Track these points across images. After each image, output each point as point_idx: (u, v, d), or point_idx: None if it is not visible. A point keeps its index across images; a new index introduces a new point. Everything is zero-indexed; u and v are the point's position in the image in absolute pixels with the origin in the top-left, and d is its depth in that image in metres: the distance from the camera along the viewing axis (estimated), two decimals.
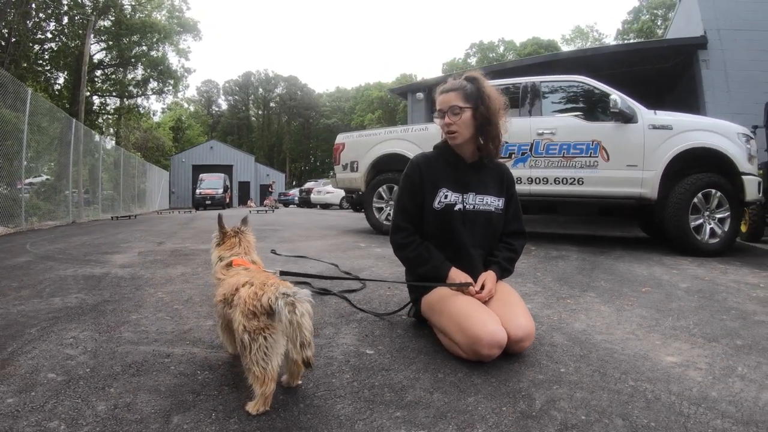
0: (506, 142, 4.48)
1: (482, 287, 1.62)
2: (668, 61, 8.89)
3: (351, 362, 1.47)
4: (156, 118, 29.02)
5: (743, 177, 4.07)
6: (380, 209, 5.54)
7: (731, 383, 1.39)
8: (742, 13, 8.16)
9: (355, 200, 6.16)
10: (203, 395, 1.23)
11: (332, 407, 1.19)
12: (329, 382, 1.33)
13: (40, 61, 15.71)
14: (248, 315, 1.13)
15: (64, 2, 15.28)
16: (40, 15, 14.95)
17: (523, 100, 4.80)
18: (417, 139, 5.27)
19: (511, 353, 1.49)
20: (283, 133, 54.45)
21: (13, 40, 13.16)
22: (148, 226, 7.51)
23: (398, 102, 42.69)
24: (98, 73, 18.61)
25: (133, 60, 18.75)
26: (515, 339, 1.44)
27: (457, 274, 1.65)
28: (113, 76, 19.34)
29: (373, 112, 50.73)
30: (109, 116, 21.00)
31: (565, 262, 3.55)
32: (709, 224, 4.18)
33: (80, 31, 15.35)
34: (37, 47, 15.28)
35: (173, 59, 20.49)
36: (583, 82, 4.65)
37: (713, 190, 4.13)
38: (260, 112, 56.62)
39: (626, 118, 4.25)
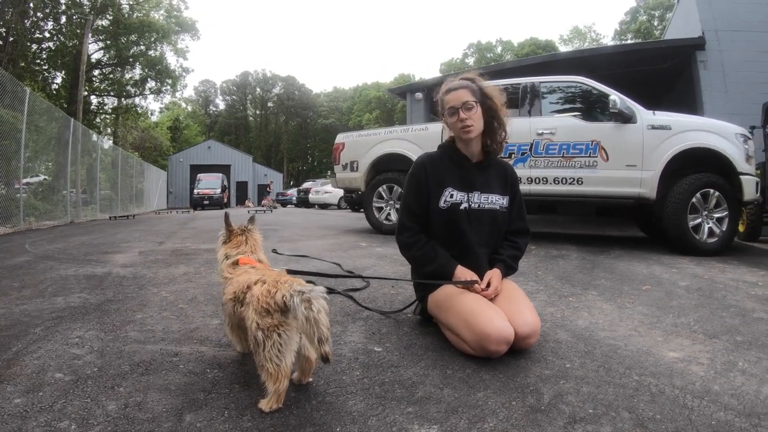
0: (506, 142, 4.51)
1: (488, 285, 1.64)
2: (666, 62, 8.94)
3: (360, 359, 1.49)
4: (154, 118, 28.90)
5: (741, 177, 4.11)
6: (380, 209, 5.56)
7: (732, 377, 1.42)
8: (740, 14, 8.22)
9: (355, 200, 6.17)
10: (214, 393, 1.23)
11: (344, 403, 1.20)
12: (340, 379, 1.34)
13: (38, 61, 15.65)
14: (262, 312, 1.14)
15: (62, 1, 15.23)
16: (38, 14, 14.90)
17: (522, 101, 4.83)
18: (417, 138, 5.29)
19: (518, 349, 1.52)
20: (281, 133, 54.36)
21: (11, 39, 13.11)
22: (147, 226, 7.50)
23: (396, 102, 42.71)
24: (96, 72, 18.53)
25: (131, 59, 18.69)
26: (522, 335, 1.47)
27: (463, 272, 1.67)
28: (111, 76, 19.26)
29: (370, 112, 50.72)
30: (107, 116, 20.91)
31: (566, 261, 3.57)
32: (708, 224, 4.22)
33: (78, 31, 15.30)
34: (34, 47, 15.21)
35: (171, 59, 20.46)
36: (582, 83, 4.68)
37: (711, 190, 4.16)
38: (258, 112, 56.50)
39: (625, 118, 4.28)
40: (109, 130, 21.76)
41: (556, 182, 4.52)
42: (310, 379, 1.30)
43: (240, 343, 1.48)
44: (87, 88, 16.48)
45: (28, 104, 7.34)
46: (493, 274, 1.68)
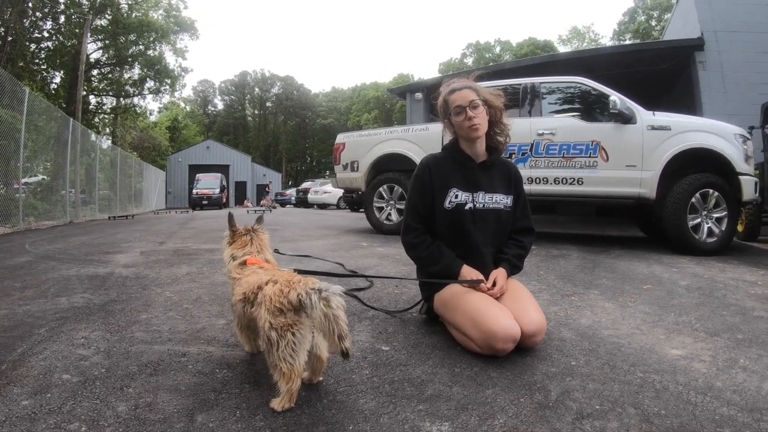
0: (506, 140, 4.52)
1: (494, 284, 1.65)
2: (665, 63, 8.98)
3: (368, 358, 1.50)
4: (153, 118, 28.85)
5: (740, 177, 4.14)
6: (381, 209, 5.57)
7: (734, 374, 1.44)
8: (739, 15, 8.26)
9: (356, 200, 6.19)
10: (225, 393, 1.23)
11: (355, 402, 1.21)
12: (349, 378, 1.35)
13: (37, 60, 15.61)
14: (275, 312, 1.14)
15: (61, 1, 15.21)
16: (37, 14, 14.87)
17: (523, 101, 4.85)
18: (417, 139, 5.31)
19: (524, 348, 1.54)
20: (280, 133, 54.30)
21: (10, 38, 13.08)
22: (146, 226, 7.50)
23: (395, 102, 42.68)
24: (95, 72, 18.50)
25: (129, 59, 18.66)
26: (528, 334, 1.49)
27: (468, 272, 1.69)
28: (110, 76, 19.23)
29: (369, 112, 50.69)
30: (106, 116, 20.87)
31: (567, 261, 3.60)
32: (707, 223, 4.24)
33: (77, 30, 15.29)
34: (33, 46, 15.18)
35: (170, 59, 20.42)
36: (582, 83, 4.71)
37: (711, 190, 4.19)
38: (256, 112, 56.43)
39: (625, 118, 4.30)
40: (107, 130, 21.70)
41: (557, 182, 4.55)
42: (321, 378, 1.31)
43: (248, 343, 1.48)
44: (86, 87, 16.44)
45: (27, 104, 7.33)
46: (499, 274, 1.70)
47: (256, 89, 55.75)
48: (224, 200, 25.56)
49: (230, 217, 1.63)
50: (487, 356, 1.49)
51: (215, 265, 3.26)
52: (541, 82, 4.87)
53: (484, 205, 1.77)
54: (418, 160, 5.11)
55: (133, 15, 18.12)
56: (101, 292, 2.40)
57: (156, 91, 20.55)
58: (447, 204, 1.76)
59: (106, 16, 17.15)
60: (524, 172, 4.64)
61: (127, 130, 23.61)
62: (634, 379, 1.38)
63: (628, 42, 34.42)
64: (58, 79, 16.80)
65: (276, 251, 3.78)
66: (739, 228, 5.64)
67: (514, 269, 1.78)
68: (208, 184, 24.99)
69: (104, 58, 18.65)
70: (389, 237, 5.06)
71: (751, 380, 1.39)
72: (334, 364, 1.40)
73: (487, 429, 1.08)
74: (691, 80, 8.62)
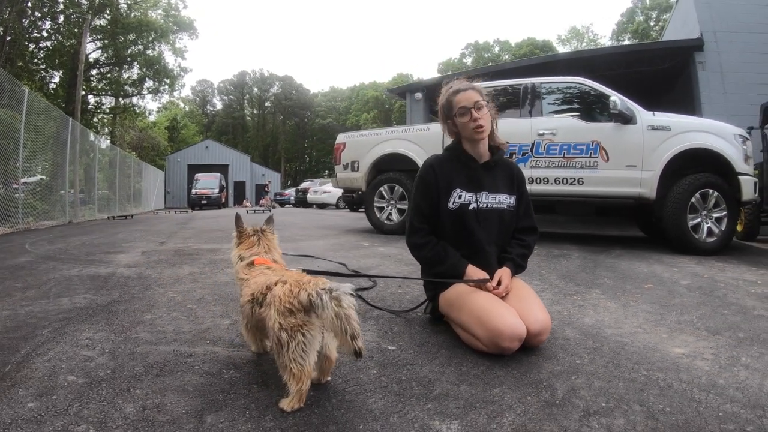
0: (507, 143, 4.55)
1: (499, 283, 1.67)
2: (665, 63, 9.01)
3: (375, 358, 1.51)
4: (151, 118, 28.79)
5: (740, 177, 4.16)
6: (381, 209, 5.58)
7: (737, 372, 1.46)
8: (738, 15, 8.29)
9: (356, 200, 6.19)
10: (233, 394, 1.23)
11: (364, 401, 1.21)
12: (357, 378, 1.35)
13: (36, 60, 15.57)
14: (285, 312, 1.13)
15: (60, 1, 15.17)
16: (36, 13, 14.84)
17: (523, 101, 4.86)
18: (418, 139, 5.32)
19: (529, 346, 1.56)
20: (279, 133, 54.25)
21: (9, 38, 13.05)
22: (146, 226, 7.49)
23: (393, 102, 42.71)
24: (94, 72, 18.45)
25: (129, 59, 18.62)
26: (533, 332, 1.50)
27: (473, 271, 1.71)
28: (109, 75, 19.19)
29: (368, 112, 50.67)
30: (105, 116, 20.83)
31: (568, 261, 3.61)
32: (707, 223, 4.27)
33: (76, 30, 15.25)
34: (32, 46, 15.14)
35: (169, 58, 20.38)
36: (582, 84, 4.73)
37: (710, 190, 4.21)
38: (255, 112, 56.36)
39: (625, 119, 4.32)
40: (106, 130, 21.66)
41: (557, 182, 4.56)
42: (329, 378, 1.31)
43: (255, 344, 1.48)
44: (85, 87, 16.41)
45: (26, 104, 7.32)
46: (503, 273, 1.71)
47: (255, 89, 55.68)
48: (223, 200, 25.53)
49: (237, 218, 1.62)
50: (492, 355, 1.50)
51: (217, 265, 3.26)
52: (541, 83, 4.88)
53: (487, 205, 1.78)
54: (418, 160, 5.15)
55: (132, 15, 18.08)
56: (104, 293, 2.39)
57: (155, 91, 20.52)
58: (451, 204, 1.77)
59: (105, 15, 17.11)
60: (525, 172, 4.59)
61: (126, 129, 23.57)
62: (639, 376, 1.39)
63: (626, 42, 34.51)
64: (57, 79, 16.78)
65: None
66: (739, 228, 5.66)
67: (518, 268, 1.80)
68: (207, 183, 24.97)
69: (103, 58, 18.61)
70: (390, 237, 5.07)
71: (753, 378, 1.41)
72: (341, 363, 1.40)
73: (496, 427, 1.09)
74: (690, 80, 8.65)
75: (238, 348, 1.58)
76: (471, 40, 58.39)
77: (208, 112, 56.01)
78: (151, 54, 19.22)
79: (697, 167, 4.25)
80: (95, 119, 19.66)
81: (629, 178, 4.30)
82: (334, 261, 3.38)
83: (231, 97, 55.91)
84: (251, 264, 1.46)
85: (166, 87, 20.52)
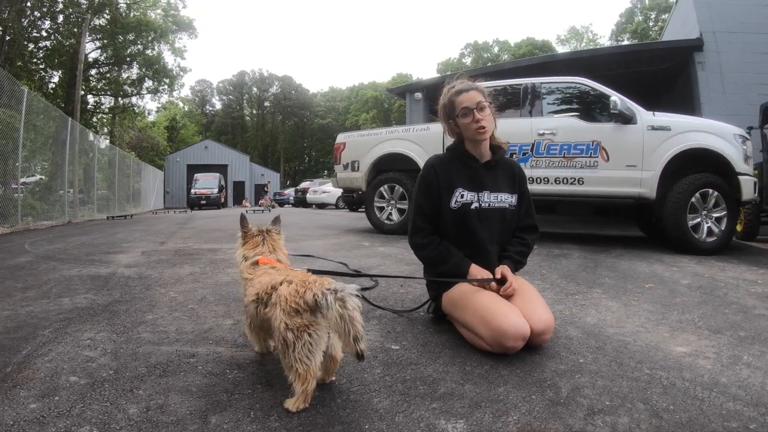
0: (508, 143, 4.54)
1: (504, 280, 1.67)
2: (665, 63, 9.02)
3: (379, 358, 1.51)
4: (151, 118, 28.76)
5: (739, 177, 4.17)
6: (381, 209, 5.58)
7: (738, 370, 1.47)
8: (738, 15, 8.31)
9: (356, 200, 6.19)
10: (237, 394, 1.22)
11: (369, 401, 1.21)
12: (362, 378, 1.35)
13: (35, 60, 15.54)
14: (291, 312, 1.13)
15: (59, 0, 15.14)
16: (35, 13, 14.81)
17: (523, 101, 4.87)
18: (418, 138, 5.32)
19: (532, 345, 1.56)
20: (278, 133, 54.22)
21: (8, 38, 13.03)
22: (145, 226, 7.48)
23: (393, 102, 42.70)
24: (93, 71, 18.43)
25: (128, 59, 18.61)
26: (537, 332, 1.51)
27: (477, 271, 1.71)
28: (108, 75, 19.17)
29: (367, 112, 50.65)
30: (104, 115, 20.81)
31: (568, 260, 3.62)
32: (707, 223, 4.27)
33: (75, 30, 15.24)
34: (31, 46, 15.12)
35: (169, 58, 20.38)
36: (583, 84, 4.73)
37: (710, 190, 4.22)
38: (254, 112, 56.30)
39: (626, 119, 4.33)
40: (106, 130, 21.64)
41: (557, 182, 4.57)
42: (333, 378, 1.30)
43: (259, 344, 1.48)
44: (84, 87, 16.38)
45: (25, 103, 7.30)
46: (505, 270, 1.71)
47: (254, 89, 55.64)
48: (222, 200, 25.51)
49: (242, 218, 1.62)
50: (496, 354, 1.50)
51: (218, 265, 3.26)
52: (541, 83, 4.89)
53: (489, 205, 1.79)
54: (419, 159, 5.15)
55: (132, 14, 18.07)
56: (104, 293, 2.38)
57: (154, 91, 20.51)
58: (453, 204, 1.77)
59: (105, 15, 17.10)
60: (525, 171, 4.66)
61: (126, 129, 23.54)
62: (642, 375, 1.40)
63: (625, 43, 34.57)
64: (56, 79, 16.77)
65: None
66: (738, 228, 5.67)
67: (517, 265, 1.80)
68: (207, 183, 24.94)
69: (102, 58, 18.60)
70: (390, 237, 5.07)
71: (755, 376, 1.42)
72: (345, 363, 1.40)
73: (502, 426, 1.09)
74: (690, 80, 8.66)
75: (241, 348, 1.58)
76: (470, 40, 58.49)
77: (208, 112, 55.95)
78: (151, 54, 19.22)
79: (697, 167, 4.26)
80: (94, 119, 19.64)
81: (629, 178, 4.31)
82: (335, 261, 3.38)
83: (230, 97, 55.86)
84: (255, 263, 1.46)
85: (166, 87, 20.53)
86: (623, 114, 4.29)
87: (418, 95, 10.86)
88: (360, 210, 10.05)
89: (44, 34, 15.63)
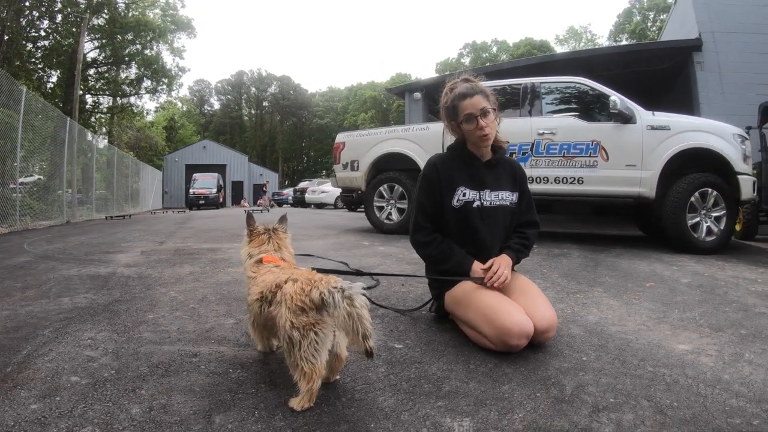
0: (508, 142, 4.54)
1: (490, 268, 1.66)
2: (664, 63, 9.05)
3: (383, 356, 1.51)
4: (149, 118, 28.72)
5: (739, 177, 4.18)
6: (381, 208, 5.57)
7: (741, 367, 1.48)
8: (736, 15, 8.34)
9: (355, 199, 6.19)
10: (241, 393, 1.21)
11: (374, 400, 1.21)
12: (366, 376, 1.35)
13: (33, 60, 15.51)
14: (296, 311, 1.12)
15: (58, 0, 15.11)
16: (34, 12, 14.78)
17: (523, 101, 4.87)
18: (418, 138, 5.32)
19: (536, 344, 1.56)
20: (276, 133, 54.19)
21: (6, 37, 13.00)
22: (144, 226, 7.47)
23: (391, 101, 42.71)
24: (92, 71, 18.41)
25: (126, 58, 18.59)
26: (541, 330, 1.51)
27: (479, 268, 1.71)
28: (107, 75, 19.14)
29: (366, 112, 50.67)
30: (102, 115, 20.77)
31: (568, 260, 3.62)
32: (706, 222, 4.29)
33: (74, 29, 15.22)
34: (30, 45, 15.08)
35: (167, 58, 20.38)
36: (582, 83, 4.74)
37: (710, 190, 4.23)
38: (253, 112, 56.27)
39: (625, 118, 4.34)
40: (104, 130, 21.60)
41: (557, 182, 4.57)
42: (338, 377, 1.30)
43: (262, 343, 1.47)
44: (82, 87, 16.37)
45: (24, 103, 7.28)
46: (500, 260, 1.70)
47: (253, 89, 55.61)
48: (221, 200, 25.48)
49: (248, 216, 1.62)
50: (500, 352, 1.51)
51: (218, 264, 3.26)
52: (541, 82, 4.89)
53: (491, 203, 1.79)
54: (418, 159, 5.15)
55: (130, 14, 18.05)
56: (104, 292, 2.37)
57: (153, 91, 20.50)
58: (455, 202, 1.77)
59: (103, 15, 17.08)
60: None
61: (124, 129, 23.50)
62: (645, 373, 1.41)
63: (624, 43, 34.65)
64: (54, 78, 16.75)
65: None
66: (737, 227, 5.69)
67: (518, 254, 1.78)
68: (205, 183, 24.91)
69: (101, 58, 18.57)
70: (390, 236, 5.07)
71: (757, 373, 1.43)
72: (349, 362, 1.39)
73: (508, 423, 1.10)
74: (689, 80, 8.69)
75: (243, 347, 1.57)
76: (469, 40, 58.55)
77: (206, 111, 55.90)
78: (149, 53, 19.20)
79: (696, 167, 4.27)
80: (93, 119, 19.62)
81: (629, 178, 4.32)
82: (335, 260, 3.37)
83: (229, 96, 55.82)
84: (259, 261, 1.45)
85: (164, 87, 20.53)
86: (623, 114, 4.30)
87: (417, 95, 10.88)
88: (359, 210, 10.05)
89: (43, 33, 15.65)
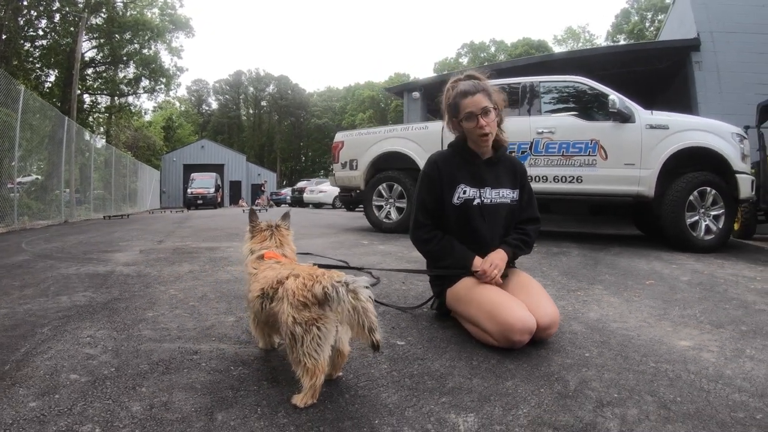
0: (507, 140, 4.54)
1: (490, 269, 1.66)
2: (662, 63, 9.07)
3: (385, 353, 1.50)
4: (147, 117, 28.64)
5: (737, 175, 4.20)
6: (380, 207, 5.57)
7: (742, 363, 1.49)
8: (734, 15, 8.37)
9: (353, 199, 6.18)
10: (243, 391, 1.21)
11: (378, 396, 1.20)
12: (369, 373, 1.34)
13: (31, 59, 15.45)
14: (299, 306, 1.11)
15: None
16: (32, 12, 14.72)
17: (522, 100, 4.88)
18: (417, 137, 5.32)
19: (538, 340, 1.56)
20: (274, 133, 54.13)
21: (4, 37, 12.94)
22: (142, 225, 7.46)
23: (389, 101, 42.74)
24: (90, 71, 18.35)
25: (125, 58, 18.52)
26: (543, 326, 1.51)
27: (480, 263, 1.70)
28: (105, 75, 19.08)
29: (364, 112, 50.68)
30: (100, 115, 20.71)
31: (568, 258, 3.63)
32: (705, 221, 4.30)
33: (72, 29, 15.17)
34: (28, 45, 15.04)
35: (166, 57, 20.35)
36: (581, 83, 4.75)
37: (708, 188, 4.25)
38: (251, 112, 56.21)
39: (624, 117, 4.35)
40: (102, 129, 21.54)
41: (556, 180, 4.58)
42: (341, 374, 1.29)
43: (263, 339, 1.46)
44: (80, 86, 16.31)
45: (22, 102, 7.25)
46: (496, 254, 1.70)
47: (251, 89, 55.55)
48: (219, 200, 25.44)
49: (251, 212, 1.61)
50: (502, 349, 1.50)
51: (217, 263, 3.25)
52: (540, 82, 4.90)
53: (491, 201, 1.79)
54: (417, 158, 5.15)
55: (129, 13, 17.97)
56: (103, 291, 2.36)
57: (151, 90, 20.43)
58: (455, 200, 1.77)
59: (101, 14, 17.02)
60: None
61: (122, 129, 23.43)
62: (647, 368, 1.41)
63: (621, 43, 34.74)
64: (52, 78, 16.68)
65: None
66: (735, 226, 5.71)
67: (515, 250, 1.78)
68: (203, 183, 24.90)
69: (99, 57, 18.51)
70: (389, 235, 5.07)
71: (758, 368, 1.44)
72: (351, 359, 1.38)
73: (512, 419, 1.10)
74: (687, 80, 8.71)
75: (244, 344, 1.56)
76: (467, 40, 58.68)
77: (204, 111, 55.81)
78: (147, 53, 19.13)
79: (695, 166, 4.28)
80: (91, 118, 19.54)
81: (628, 177, 4.33)
82: (335, 259, 3.37)
83: (227, 96, 55.74)
84: (261, 257, 1.44)
85: (162, 86, 20.45)
86: (622, 113, 4.31)
87: (416, 94, 10.88)
88: (358, 209, 10.05)
89: (41, 32, 15.57)
